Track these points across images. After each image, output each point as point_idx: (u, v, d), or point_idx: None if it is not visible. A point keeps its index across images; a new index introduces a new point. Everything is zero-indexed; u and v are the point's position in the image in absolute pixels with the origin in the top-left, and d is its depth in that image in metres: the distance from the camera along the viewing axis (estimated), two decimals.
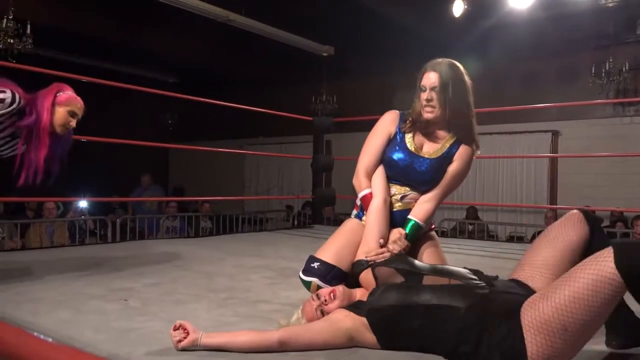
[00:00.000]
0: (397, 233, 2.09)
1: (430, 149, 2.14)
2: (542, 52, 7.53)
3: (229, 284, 2.53)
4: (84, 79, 3.90)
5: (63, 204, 6.35)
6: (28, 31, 6.29)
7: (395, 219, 2.15)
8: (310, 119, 5.43)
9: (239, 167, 11.47)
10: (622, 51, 7.01)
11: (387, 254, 1.96)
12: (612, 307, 1.33)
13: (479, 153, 2.21)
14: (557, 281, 1.41)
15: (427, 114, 2.07)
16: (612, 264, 1.27)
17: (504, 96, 7.33)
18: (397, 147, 2.16)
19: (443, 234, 6.46)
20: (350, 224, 2.23)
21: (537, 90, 7.55)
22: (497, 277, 1.62)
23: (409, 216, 2.13)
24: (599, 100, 6.89)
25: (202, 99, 4.72)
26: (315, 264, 2.05)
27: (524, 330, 1.36)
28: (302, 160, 7.87)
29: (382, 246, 2.01)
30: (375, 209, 2.09)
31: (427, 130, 2.14)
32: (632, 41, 7.06)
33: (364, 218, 2.18)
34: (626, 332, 1.55)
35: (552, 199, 7.81)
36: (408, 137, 2.15)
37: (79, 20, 7.52)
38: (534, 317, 1.36)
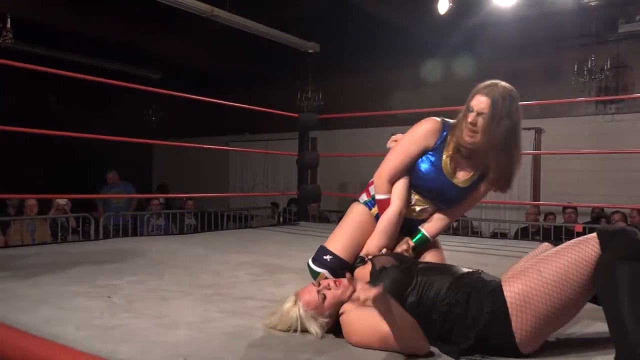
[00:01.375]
0: (404, 244, 2.12)
1: (462, 177, 2.11)
2: (525, 50, 7.58)
3: (214, 280, 2.52)
4: (67, 74, 3.84)
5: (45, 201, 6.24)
6: (8, 25, 6.19)
7: (407, 225, 2.17)
8: (296, 115, 5.42)
9: (224, 164, 11.42)
10: (604, 50, 7.10)
11: None
12: (590, 289, 1.41)
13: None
14: (540, 258, 1.47)
15: (468, 137, 1.97)
16: (597, 246, 1.39)
17: None
18: (431, 164, 2.09)
19: None
20: (360, 213, 2.24)
21: (521, 88, 7.41)
22: (480, 271, 1.66)
23: (420, 227, 2.17)
24: (582, 98, 6.97)
25: (186, 95, 4.68)
26: (328, 257, 2.08)
27: (508, 302, 1.42)
28: (287, 157, 7.83)
29: None
30: (389, 218, 2.09)
31: (468, 157, 2.06)
32: (614, 40, 7.15)
33: (373, 209, 2.21)
34: None
35: (535, 195, 7.89)
36: (445, 157, 2.08)
37: (61, 15, 7.41)
38: (518, 289, 1.42)
